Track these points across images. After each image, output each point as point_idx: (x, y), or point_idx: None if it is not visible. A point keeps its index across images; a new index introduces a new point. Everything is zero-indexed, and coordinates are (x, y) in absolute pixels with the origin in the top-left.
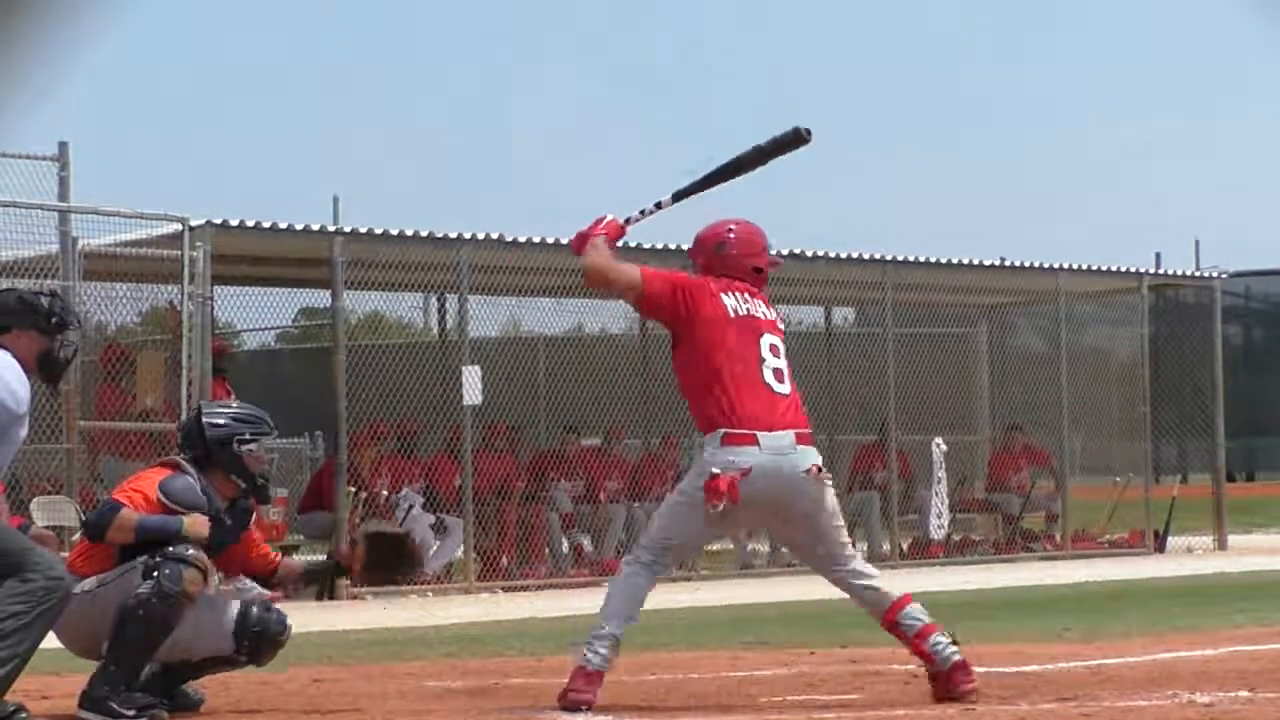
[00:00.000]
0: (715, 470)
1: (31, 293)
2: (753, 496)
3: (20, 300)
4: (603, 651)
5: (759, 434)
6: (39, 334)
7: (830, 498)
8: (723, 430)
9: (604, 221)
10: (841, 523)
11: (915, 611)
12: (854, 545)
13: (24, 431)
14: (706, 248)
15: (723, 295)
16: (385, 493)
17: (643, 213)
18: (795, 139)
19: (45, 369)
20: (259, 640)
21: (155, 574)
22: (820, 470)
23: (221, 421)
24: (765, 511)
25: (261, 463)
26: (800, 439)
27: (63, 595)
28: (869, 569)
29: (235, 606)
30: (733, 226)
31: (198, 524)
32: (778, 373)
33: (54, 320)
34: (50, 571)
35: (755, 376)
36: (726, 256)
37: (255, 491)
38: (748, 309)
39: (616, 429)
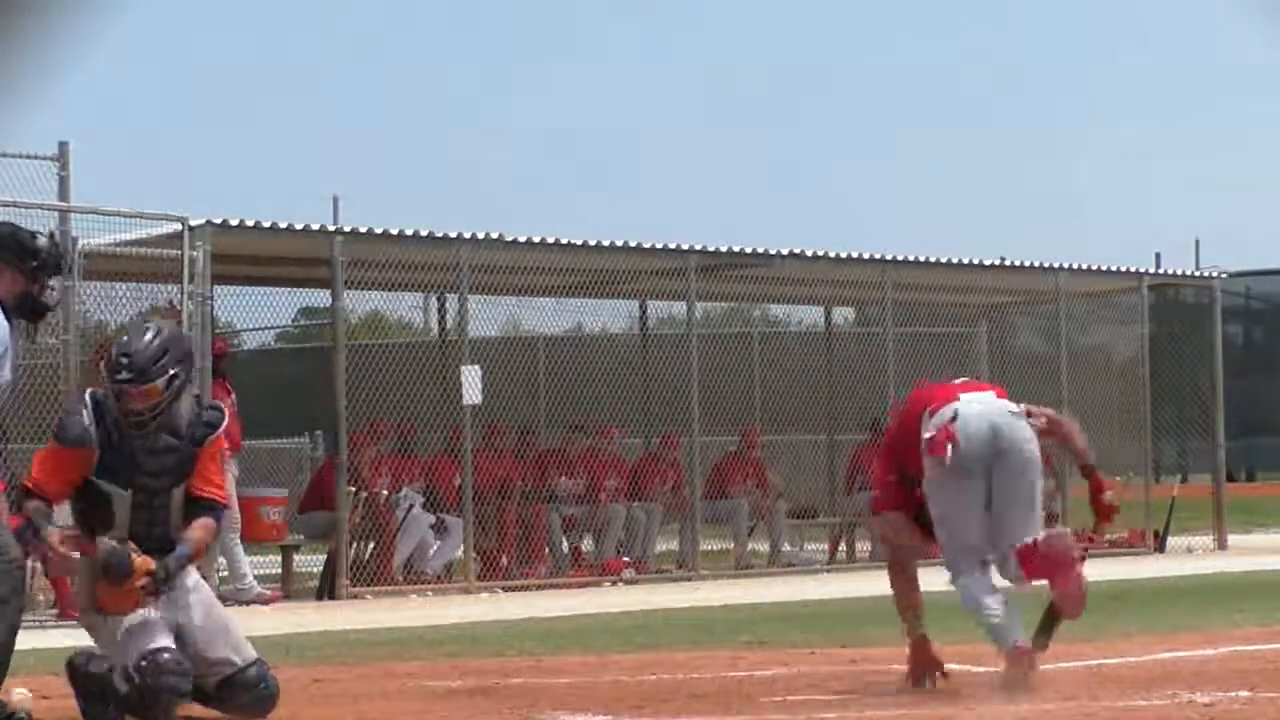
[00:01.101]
0: (928, 434)
1: (29, 233)
2: (966, 435)
3: (13, 235)
4: (1010, 628)
5: (960, 394)
6: (19, 274)
7: (1036, 462)
8: (928, 408)
9: None
10: (1038, 500)
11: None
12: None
13: (6, 373)
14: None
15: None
16: (385, 492)
17: None
18: None
19: (23, 310)
20: (249, 704)
21: (142, 679)
22: (1029, 412)
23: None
24: (984, 454)
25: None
26: (999, 394)
27: (23, 575)
28: None
29: (247, 656)
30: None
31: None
32: (968, 382)
33: (35, 265)
34: (6, 555)
35: (951, 384)
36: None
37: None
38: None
39: (605, 427)
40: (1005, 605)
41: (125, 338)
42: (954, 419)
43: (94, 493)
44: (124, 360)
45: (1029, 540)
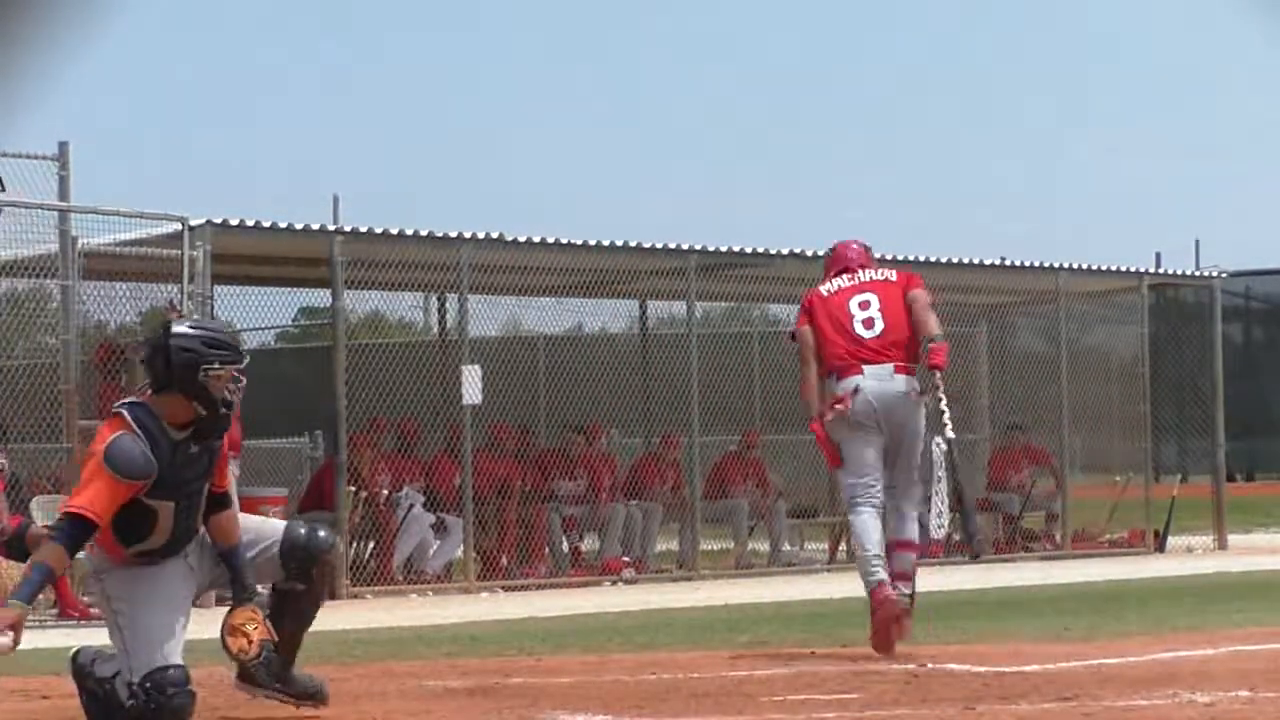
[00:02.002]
0: (836, 393)
1: None
2: (860, 408)
3: None
4: (877, 571)
5: (863, 366)
6: None
7: (921, 421)
8: (837, 369)
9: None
10: (917, 459)
11: (906, 559)
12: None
13: None
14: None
15: (821, 287)
16: (385, 492)
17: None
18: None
19: None
20: (304, 560)
21: (146, 699)
22: (918, 394)
23: (190, 346)
24: (877, 426)
25: (224, 384)
26: (899, 369)
27: None
28: (911, 512)
29: (279, 530)
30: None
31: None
32: (867, 321)
33: None
34: None
35: (848, 329)
36: (830, 265)
37: (215, 421)
38: (839, 285)
39: (592, 426)
40: (882, 555)
41: (197, 324)
42: (855, 391)
43: (138, 508)
44: (228, 342)
45: (888, 575)
